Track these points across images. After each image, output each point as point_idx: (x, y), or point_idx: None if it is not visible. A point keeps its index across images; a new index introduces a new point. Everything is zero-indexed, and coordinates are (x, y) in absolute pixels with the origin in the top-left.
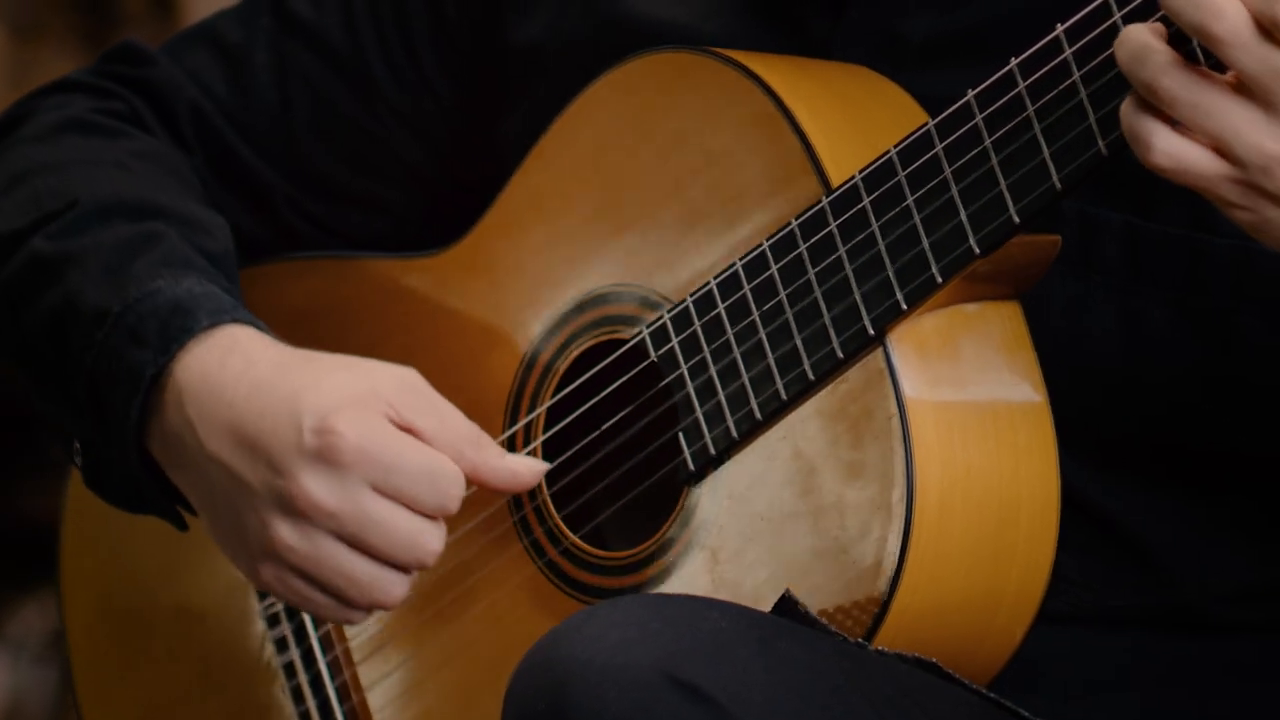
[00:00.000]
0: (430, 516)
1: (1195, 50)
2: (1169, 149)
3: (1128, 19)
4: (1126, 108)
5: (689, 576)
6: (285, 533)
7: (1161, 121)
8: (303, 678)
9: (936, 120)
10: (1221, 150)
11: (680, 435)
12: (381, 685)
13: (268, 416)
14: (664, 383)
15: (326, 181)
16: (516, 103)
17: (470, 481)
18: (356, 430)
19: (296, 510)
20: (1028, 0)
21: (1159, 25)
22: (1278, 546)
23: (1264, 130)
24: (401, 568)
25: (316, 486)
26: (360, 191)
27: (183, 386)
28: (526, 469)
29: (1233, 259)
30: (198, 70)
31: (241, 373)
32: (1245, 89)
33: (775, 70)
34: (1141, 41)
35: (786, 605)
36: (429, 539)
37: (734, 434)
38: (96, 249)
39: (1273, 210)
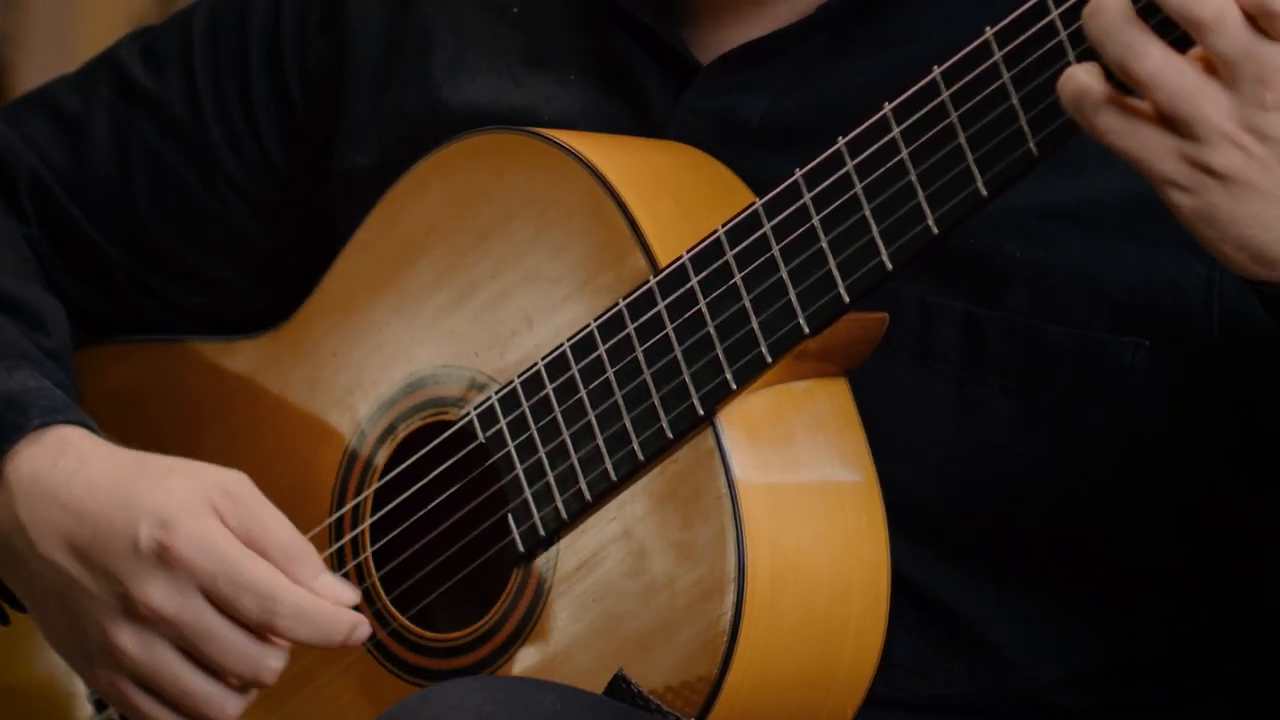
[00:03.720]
0: (262, 632)
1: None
2: (1121, 120)
3: (954, 98)
4: (1081, 77)
5: (521, 658)
6: (125, 639)
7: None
8: None
9: (764, 199)
10: (1179, 126)
11: (509, 516)
12: None
13: (103, 521)
14: (491, 462)
15: (165, 256)
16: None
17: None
18: (189, 535)
19: (137, 616)
20: (863, 84)
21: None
22: (1111, 632)
23: (1226, 109)
24: (241, 682)
25: (155, 591)
26: (199, 267)
27: (13, 488)
28: (332, 591)
29: (1074, 348)
30: (36, 138)
31: (74, 473)
32: (1215, 69)
33: (600, 150)
34: (1114, 18)
35: (619, 686)
36: (265, 656)
37: (563, 515)
38: None
39: (1219, 195)
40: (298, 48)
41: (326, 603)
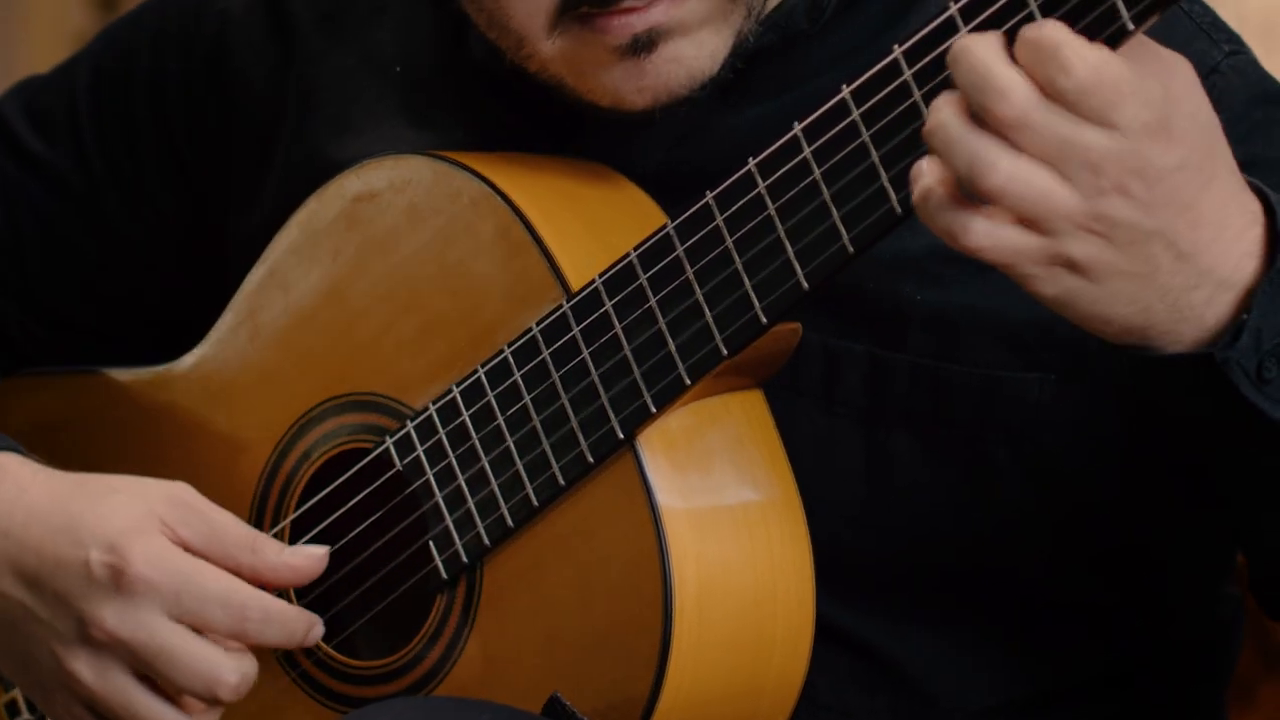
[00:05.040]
0: (232, 643)
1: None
2: (988, 232)
3: (866, 117)
4: (933, 203)
5: (450, 682)
6: (79, 665)
7: (972, 210)
8: None
9: (676, 222)
10: (1033, 225)
11: (431, 544)
12: None
13: (48, 547)
14: (410, 490)
15: (59, 312)
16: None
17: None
18: (144, 556)
19: (92, 640)
20: (753, 131)
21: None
22: (1032, 663)
23: (1074, 202)
24: (199, 700)
25: (110, 615)
26: (94, 323)
27: None
28: (305, 560)
29: (979, 387)
30: None
31: (14, 501)
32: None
33: (504, 171)
34: (960, 130)
35: (555, 707)
36: (223, 670)
37: (486, 541)
38: None
39: (1077, 281)
40: (184, 105)
41: (287, 604)
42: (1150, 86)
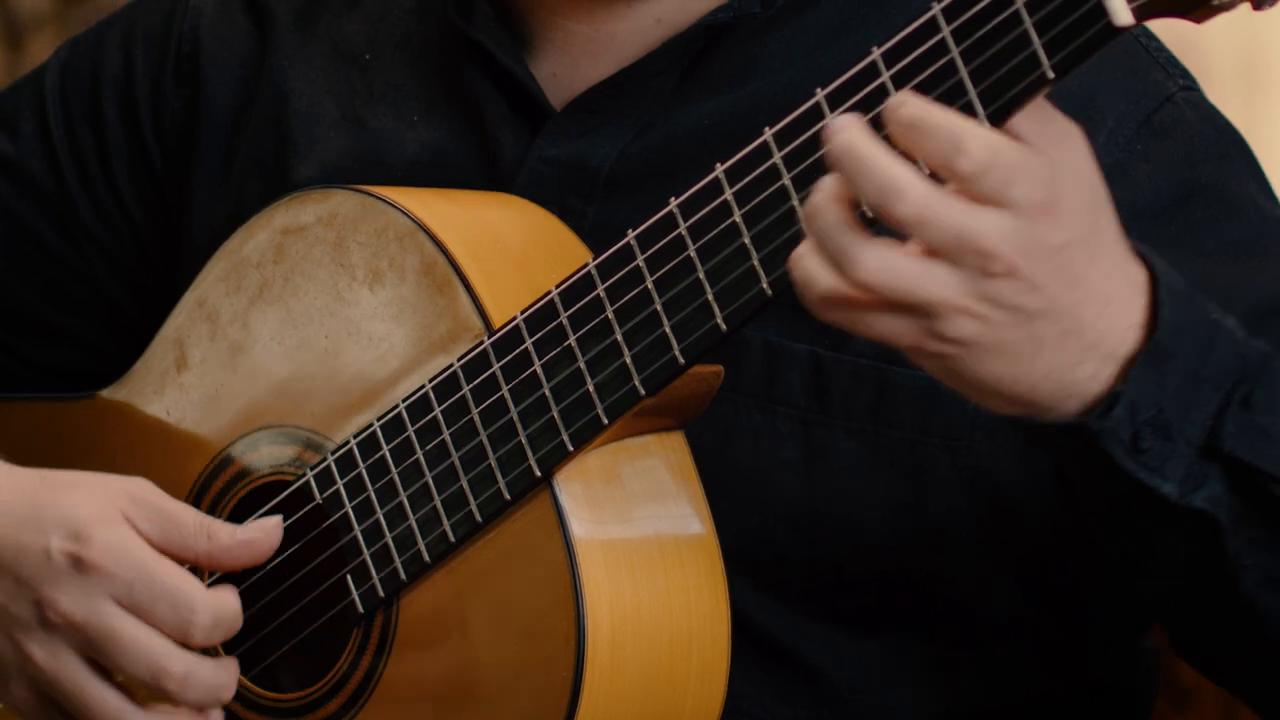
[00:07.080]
0: (177, 640)
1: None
2: (863, 317)
3: (787, 160)
4: (806, 264)
5: (365, 717)
6: (33, 647)
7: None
8: None
9: (597, 260)
10: (910, 310)
11: (348, 577)
12: None
13: (10, 535)
14: (329, 523)
15: (25, 314)
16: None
17: (216, 570)
18: (104, 541)
19: (46, 621)
20: (711, 124)
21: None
22: (960, 677)
23: (955, 286)
24: (146, 688)
25: (65, 597)
26: (59, 325)
27: None
28: (259, 534)
29: (919, 391)
30: None
31: None
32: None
33: (434, 209)
34: (829, 221)
35: None
36: (169, 660)
37: (402, 577)
38: None
39: (959, 360)
40: (152, 102)
41: (230, 608)
42: (1039, 163)
